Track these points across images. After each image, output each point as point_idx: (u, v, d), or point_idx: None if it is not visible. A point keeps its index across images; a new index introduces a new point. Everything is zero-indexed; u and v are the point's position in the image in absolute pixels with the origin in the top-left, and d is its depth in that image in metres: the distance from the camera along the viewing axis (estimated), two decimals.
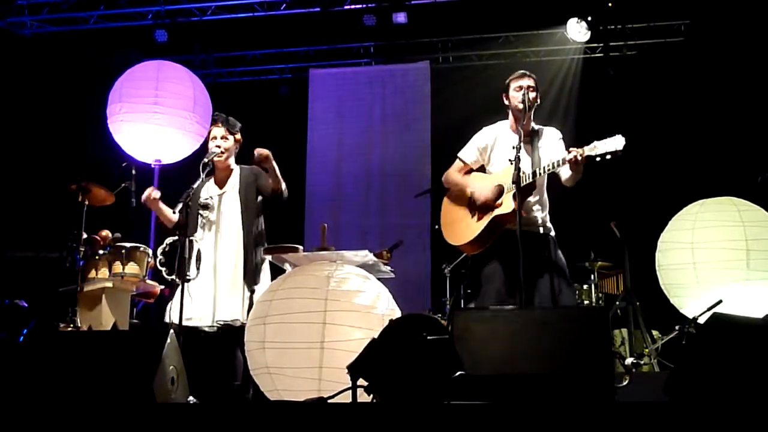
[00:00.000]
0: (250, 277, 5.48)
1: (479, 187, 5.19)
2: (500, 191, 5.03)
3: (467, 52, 11.17)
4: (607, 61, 9.54)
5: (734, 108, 8.98)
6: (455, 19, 10.36)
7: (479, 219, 5.11)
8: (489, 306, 4.97)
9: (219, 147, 5.62)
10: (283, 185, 5.63)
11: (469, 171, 5.42)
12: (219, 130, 5.69)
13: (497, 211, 4.99)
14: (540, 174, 4.94)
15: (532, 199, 5.09)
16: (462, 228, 5.24)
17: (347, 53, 11.45)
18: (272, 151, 5.49)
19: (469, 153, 5.41)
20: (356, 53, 11.45)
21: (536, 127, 5.29)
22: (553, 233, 5.18)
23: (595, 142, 4.71)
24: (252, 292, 5.40)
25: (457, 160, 5.45)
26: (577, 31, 9.91)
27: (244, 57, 11.57)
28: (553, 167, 4.90)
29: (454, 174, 5.44)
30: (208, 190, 5.66)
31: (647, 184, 8.85)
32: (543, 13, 10.14)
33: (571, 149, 4.82)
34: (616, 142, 4.64)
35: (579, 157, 4.73)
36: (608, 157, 4.67)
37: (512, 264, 4.75)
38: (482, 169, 5.36)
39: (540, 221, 5.14)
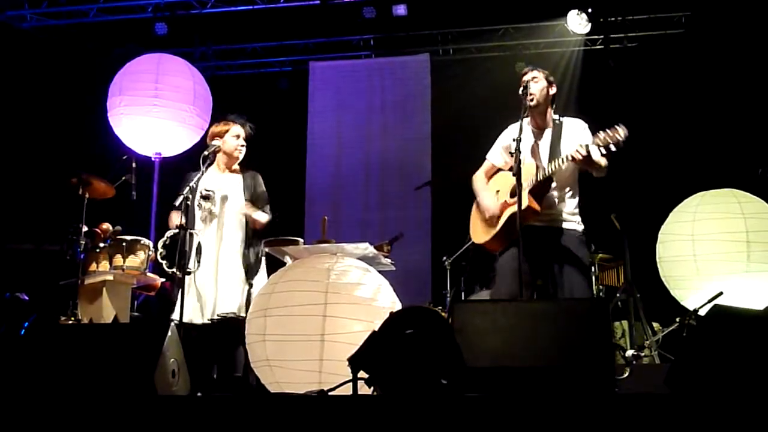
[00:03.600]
0: (250, 271, 5.51)
1: (488, 198, 5.22)
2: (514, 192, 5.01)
3: (467, 44, 11.14)
4: (608, 53, 9.53)
5: (734, 100, 8.97)
6: (455, 11, 10.34)
7: (499, 217, 5.11)
8: (500, 297, 4.99)
9: (243, 146, 5.72)
10: (263, 221, 5.65)
11: (498, 171, 5.42)
12: (241, 131, 5.76)
13: (513, 209, 4.94)
14: (547, 174, 4.92)
15: (555, 193, 5.07)
16: (484, 227, 5.24)
17: (347, 46, 11.43)
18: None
19: (494, 154, 5.42)
20: (356, 46, 11.44)
21: (558, 119, 5.23)
22: (579, 228, 5.11)
23: (599, 134, 4.71)
24: (251, 286, 5.42)
25: (486, 161, 5.46)
26: (577, 23, 9.88)
27: (244, 50, 11.55)
28: (557, 167, 4.90)
29: (476, 180, 5.44)
30: (210, 183, 5.67)
31: (647, 176, 8.84)
32: (543, 5, 10.13)
33: (579, 146, 4.81)
34: (618, 134, 4.63)
35: (579, 156, 4.74)
36: (613, 149, 4.66)
37: (527, 259, 4.73)
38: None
39: (563, 216, 5.08)
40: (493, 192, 5.27)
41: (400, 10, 10.24)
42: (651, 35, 10.33)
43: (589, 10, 9.78)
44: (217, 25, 10.76)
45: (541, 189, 4.96)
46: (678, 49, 9.97)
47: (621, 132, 4.62)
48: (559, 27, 10.42)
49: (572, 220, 5.11)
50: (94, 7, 10.45)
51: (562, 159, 4.86)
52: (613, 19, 9.86)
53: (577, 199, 5.18)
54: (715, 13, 9.57)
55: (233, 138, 5.73)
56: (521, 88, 5.06)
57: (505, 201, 5.11)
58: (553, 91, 5.26)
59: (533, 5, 10.16)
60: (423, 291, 9.65)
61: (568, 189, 5.14)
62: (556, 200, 5.09)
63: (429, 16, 10.51)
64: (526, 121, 5.21)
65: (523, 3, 10.16)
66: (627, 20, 10.12)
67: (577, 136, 5.05)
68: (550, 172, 4.92)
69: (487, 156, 5.45)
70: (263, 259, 5.69)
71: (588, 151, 4.73)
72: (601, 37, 10.25)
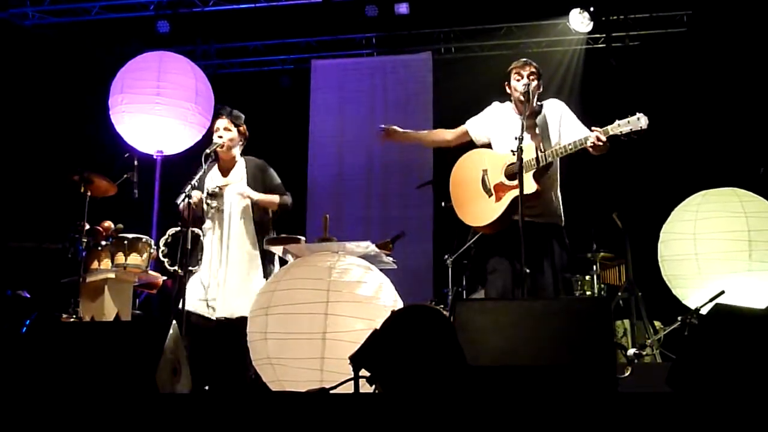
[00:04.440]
0: (266, 267, 5.53)
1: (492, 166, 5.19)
2: (514, 171, 4.97)
3: (469, 42, 11.14)
4: (610, 51, 9.53)
5: (736, 99, 8.96)
6: (457, 9, 10.35)
7: (498, 200, 5.05)
8: (495, 296, 4.99)
9: (221, 138, 5.64)
10: (278, 201, 5.66)
11: (469, 143, 5.44)
12: (222, 122, 5.72)
13: (515, 192, 4.87)
14: (554, 156, 4.94)
15: (554, 193, 5.10)
16: (480, 209, 5.16)
17: (349, 44, 11.43)
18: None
19: (474, 125, 5.48)
20: (358, 44, 11.43)
21: (538, 104, 5.27)
22: (561, 223, 5.17)
23: (618, 121, 4.72)
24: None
25: (463, 126, 5.53)
26: (579, 21, 9.89)
27: (246, 48, 11.55)
28: (567, 150, 4.91)
29: (441, 131, 5.71)
30: (214, 180, 5.68)
31: (649, 175, 8.84)
32: (545, 4, 10.14)
33: (593, 128, 4.81)
34: (639, 122, 4.64)
35: (599, 142, 4.75)
36: (634, 136, 4.68)
37: (517, 254, 4.74)
38: (487, 146, 5.37)
39: (548, 210, 5.12)
40: (479, 171, 5.21)
41: (403, 8, 10.23)
42: (653, 34, 10.33)
43: (591, 9, 9.77)
44: (219, 23, 10.76)
45: (543, 172, 4.97)
46: (680, 48, 9.97)
47: (643, 121, 4.66)
48: (561, 25, 10.42)
49: (557, 215, 5.17)
50: (97, 4, 10.45)
51: (576, 143, 4.88)
52: (615, 17, 9.85)
53: (559, 192, 5.22)
54: (716, 12, 9.57)
55: (215, 133, 5.73)
56: (523, 85, 5.07)
57: (501, 183, 5.06)
58: (541, 89, 5.31)
59: (535, 4, 10.16)
60: (425, 289, 9.65)
61: (553, 182, 5.19)
62: (557, 197, 5.12)
63: (431, 14, 10.51)
64: (511, 106, 5.27)
65: (526, 1, 10.17)
66: (629, 19, 10.11)
67: (560, 116, 5.18)
68: (558, 154, 4.94)
69: (468, 123, 5.51)
70: (275, 256, 5.69)
71: (611, 134, 4.75)
72: (603, 35, 10.24)
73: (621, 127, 4.70)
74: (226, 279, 5.47)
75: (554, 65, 10.36)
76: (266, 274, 5.55)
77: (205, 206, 5.57)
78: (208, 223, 5.60)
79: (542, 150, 4.97)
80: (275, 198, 5.66)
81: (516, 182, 4.89)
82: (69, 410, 3.02)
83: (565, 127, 5.07)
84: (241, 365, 5.26)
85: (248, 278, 5.50)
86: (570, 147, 4.89)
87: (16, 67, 9.79)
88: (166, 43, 9.99)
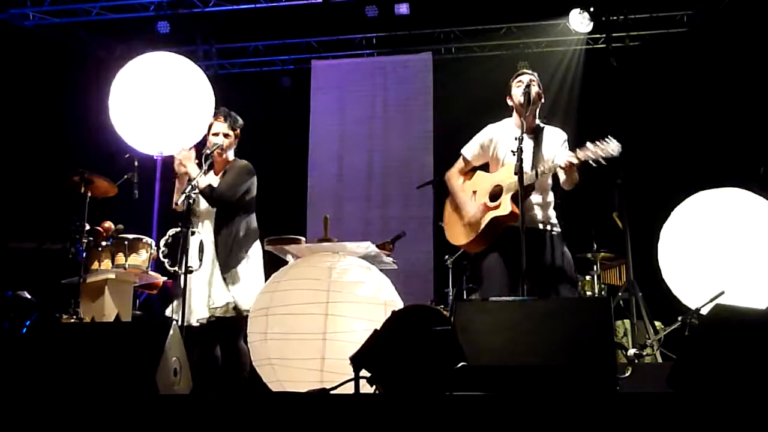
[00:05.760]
0: (227, 268, 5.37)
1: (468, 203, 5.22)
2: (498, 193, 5.03)
3: (469, 43, 11.15)
4: (610, 51, 9.52)
5: (737, 98, 8.97)
6: (457, 9, 10.35)
7: (479, 219, 5.10)
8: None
9: (222, 141, 5.61)
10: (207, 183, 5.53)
11: (472, 170, 5.40)
12: (221, 126, 5.66)
13: (495, 213, 4.99)
14: (535, 178, 4.91)
15: (532, 199, 5.07)
16: (462, 229, 5.25)
17: (349, 44, 11.45)
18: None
19: (470, 149, 5.38)
20: (358, 44, 11.44)
21: (541, 124, 5.25)
22: (556, 229, 5.12)
23: (588, 145, 4.71)
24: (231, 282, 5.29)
25: (460, 158, 5.43)
26: (579, 21, 9.89)
27: (246, 48, 11.56)
28: (545, 172, 4.91)
29: (453, 178, 5.44)
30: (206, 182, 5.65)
31: (650, 175, 8.83)
32: (545, 4, 10.14)
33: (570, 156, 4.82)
34: (611, 147, 4.63)
35: (572, 162, 4.75)
36: (604, 163, 4.68)
37: (511, 260, 4.76)
38: (485, 167, 5.34)
39: (541, 218, 5.09)
40: (469, 193, 5.29)
41: (403, 8, 10.25)
42: (653, 34, 10.34)
43: (591, 9, 9.78)
44: (220, 23, 10.76)
45: (524, 193, 4.93)
46: (680, 48, 9.97)
47: (615, 147, 4.64)
48: (561, 26, 10.44)
49: (553, 222, 5.14)
50: (97, 5, 10.47)
51: (548, 168, 4.89)
52: (615, 17, 9.85)
53: (551, 203, 5.20)
54: (717, 11, 9.57)
55: (213, 136, 5.67)
56: (524, 86, 5.06)
57: (485, 204, 5.10)
58: (543, 99, 5.27)
59: (535, 4, 10.17)
60: (425, 290, 9.66)
61: (548, 192, 5.18)
62: (538, 204, 5.10)
63: (431, 14, 10.53)
64: (512, 122, 5.25)
65: (526, 2, 10.18)
66: (629, 19, 10.11)
67: (556, 146, 5.14)
68: (534, 179, 4.92)
69: (462, 151, 5.42)
70: (246, 259, 5.56)
71: (578, 162, 4.75)
72: (603, 35, 10.23)
73: (590, 153, 4.69)
74: (197, 282, 5.43)
75: (554, 65, 10.37)
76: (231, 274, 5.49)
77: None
78: (195, 223, 5.56)
79: (531, 169, 4.97)
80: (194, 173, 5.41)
81: (497, 203, 5.00)
82: (69, 411, 3.02)
83: (561, 155, 5.05)
84: (229, 367, 5.24)
85: (218, 279, 5.44)
86: (542, 172, 4.90)
87: (16, 68, 9.79)
88: (167, 44, 9.98)
